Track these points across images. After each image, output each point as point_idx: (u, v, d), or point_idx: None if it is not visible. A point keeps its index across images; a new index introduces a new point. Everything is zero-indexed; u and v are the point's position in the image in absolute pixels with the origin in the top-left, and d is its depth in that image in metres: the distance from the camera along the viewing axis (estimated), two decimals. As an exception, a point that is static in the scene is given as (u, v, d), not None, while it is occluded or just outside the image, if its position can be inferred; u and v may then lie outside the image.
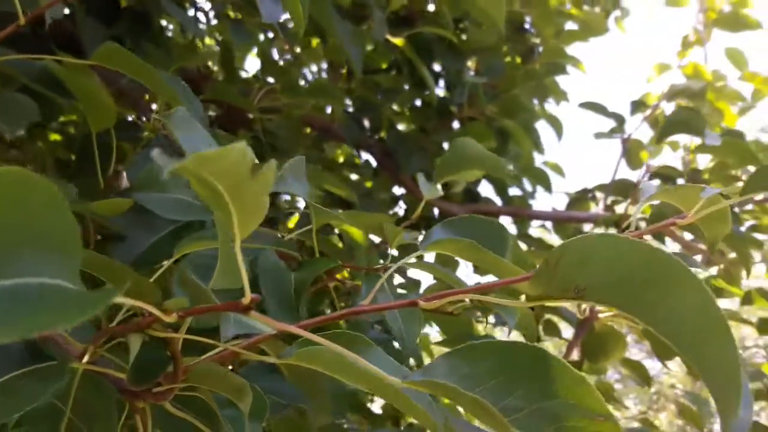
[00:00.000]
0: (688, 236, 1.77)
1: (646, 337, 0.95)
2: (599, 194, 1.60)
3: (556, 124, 1.94)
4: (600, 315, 0.95)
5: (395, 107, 1.68)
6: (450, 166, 0.71)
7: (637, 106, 1.53)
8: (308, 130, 1.52)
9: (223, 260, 0.34)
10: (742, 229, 1.72)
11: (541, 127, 1.99)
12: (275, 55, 1.74)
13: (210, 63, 1.47)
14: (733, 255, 1.83)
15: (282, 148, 1.15)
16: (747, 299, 1.48)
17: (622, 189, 1.50)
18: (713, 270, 1.87)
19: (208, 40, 1.52)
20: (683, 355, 0.31)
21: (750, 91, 2.00)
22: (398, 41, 1.28)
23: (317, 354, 0.32)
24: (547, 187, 1.70)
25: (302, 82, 1.63)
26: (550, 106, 2.06)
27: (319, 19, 0.80)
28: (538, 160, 1.99)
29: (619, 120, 1.57)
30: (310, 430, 0.62)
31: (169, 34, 1.41)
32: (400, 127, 1.79)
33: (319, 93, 1.08)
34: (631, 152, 1.50)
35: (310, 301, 0.72)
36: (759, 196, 1.41)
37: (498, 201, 1.82)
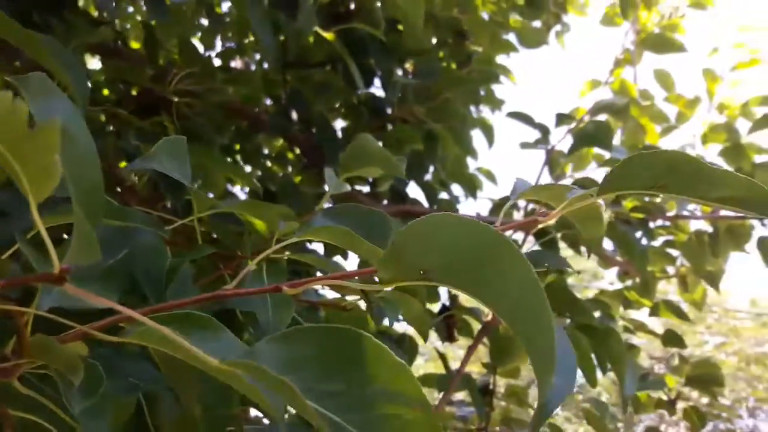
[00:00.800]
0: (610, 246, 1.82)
1: (490, 342, 0.98)
2: (521, 202, 1.63)
3: (488, 131, 1.97)
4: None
5: (337, 104, 1.68)
6: (352, 162, 0.71)
7: (562, 118, 1.56)
8: (242, 120, 1.50)
9: (77, 235, 0.33)
10: (657, 243, 1.79)
11: (478, 133, 2.02)
12: (219, 44, 1.71)
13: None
14: (649, 268, 1.89)
15: (204, 136, 1.13)
16: (654, 311, 1.54)
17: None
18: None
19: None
20: (512, 329, 0.31)
21: (675, 112, 2.08)
22: (329, 35, 1.28)
23: (148, 333, 0.31)
24: (472, 193, 1.72)
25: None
26: (497, 114, 2.10)
27: (235, 4, 0.79)
28: (473, 165, 2.03)
29: (544, 131, 1.60)
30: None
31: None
32: (338, 123, 1.79)
33: (237, 81, 1.06)
34: (553, 163, 1.54)
35: (208, 288, 0.71)
36: (671, 213, 1.46)
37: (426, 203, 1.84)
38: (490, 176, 2.07)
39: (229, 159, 1.23)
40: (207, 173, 0.94)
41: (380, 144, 1.61)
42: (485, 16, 1.99)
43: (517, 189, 0.49)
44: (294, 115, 1.45)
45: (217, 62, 1.50)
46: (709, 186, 0.37)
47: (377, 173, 0.70)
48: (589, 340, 0.88)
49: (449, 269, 0.31)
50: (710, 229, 1.58)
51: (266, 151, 1.72)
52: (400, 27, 1.82)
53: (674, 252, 1.82)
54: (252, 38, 1.68)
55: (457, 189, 1.92)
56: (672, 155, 0.38)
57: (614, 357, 0.85)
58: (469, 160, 1.97)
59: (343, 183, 0.74)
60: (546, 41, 2.07)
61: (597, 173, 2.01)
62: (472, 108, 2.04)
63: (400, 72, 1.80)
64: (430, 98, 1.61)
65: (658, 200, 1.65)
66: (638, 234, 1.43)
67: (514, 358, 1.06)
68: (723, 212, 1.50)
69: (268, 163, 1.70)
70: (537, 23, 2.56)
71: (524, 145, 1.67)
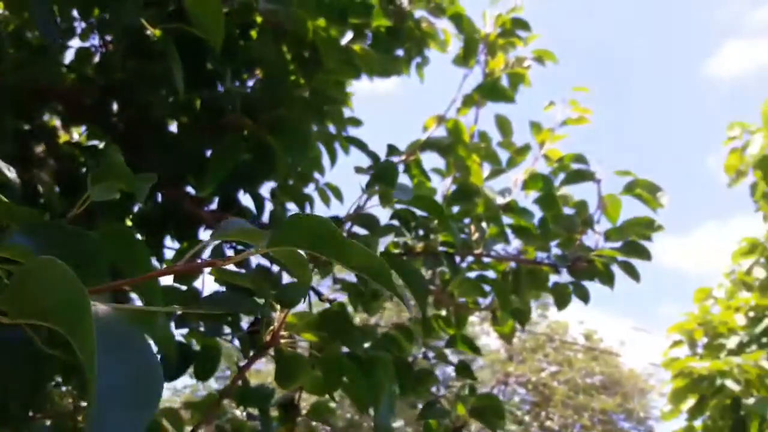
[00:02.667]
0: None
1: (275, 360, 1.00)
2: (348, 223, 1.67)
3: (329, 149, 2.00)
4: (282, 340, 0.99)
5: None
6: (102, 176, 0.70)
7: (392, 150, 1.62)
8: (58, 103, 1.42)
9: None
10: (472, 275, 1.89)
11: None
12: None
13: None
14: (462, 300, 1.99)
15: None
16: (451, 342, 1.62)
17: (366, 221, 1.58)
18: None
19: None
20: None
21: (507, 157, 2.21)
22: (156, 31, 1.24)
23: None
24: (301, 208, 1.74)
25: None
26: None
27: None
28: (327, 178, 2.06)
29: (375, 159, 1.65)
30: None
31: None
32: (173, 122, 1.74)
33: (30, 63, 1.01)
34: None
35: None
36: (478, 250, 1.54)
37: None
38: (336, 193, 2.10)
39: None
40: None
41: (209, 150, 1.59)
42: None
43: (221, 230, 0.50)
44: (116, 107, 1.40)
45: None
46: (349, 255, 0.40)
47: (115, 193, 0.68)
48: (357, 368, 0.91)
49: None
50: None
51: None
52: (253, 33, 1.82)
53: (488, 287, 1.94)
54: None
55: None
56: (316, 226, 0.40)
57: (375, 386, 0.89)
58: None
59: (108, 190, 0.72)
60: (397, 72, 2.14)
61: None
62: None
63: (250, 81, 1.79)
64: (268, 110, 1.61)
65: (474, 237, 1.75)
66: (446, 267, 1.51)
67: (295, 380, 1.07)
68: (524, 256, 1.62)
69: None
70: (399, 52, 2.64)
71: (357, 170, 1.72)
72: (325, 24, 1.51)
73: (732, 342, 6.12)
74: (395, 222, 1.62)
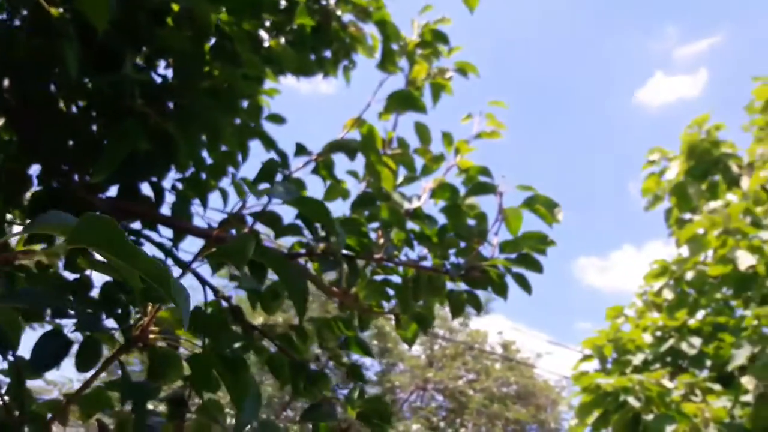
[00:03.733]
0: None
1: (148, 358, 0.98)
2: (249, 218, 1.65)
3: (241, 144, 1.98)
4: (151, 335, 0.96)
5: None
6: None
7: (300, 149, 1.61)
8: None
9: None
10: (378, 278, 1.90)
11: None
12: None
13: None
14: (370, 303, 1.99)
15: None
16: (346, 344, 1.63)
17: (269, 219, 1.57)
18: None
19: None
20: None
21: (422, 164, 2.24)
22: (53, 11, 1.20)
23: None
24: (203, 203, 1.71)
25: None
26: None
27: None
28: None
29: (283, 157, 1.64)
30: None
31: None
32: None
33: None
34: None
35: None
36: (378, 255, 1.54)
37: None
38: (252, 188, 2.07)
39: None
40: None
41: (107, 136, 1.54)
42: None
43: (34, 222, 0.48)
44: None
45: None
46: (134, 260, 0.39)
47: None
48: (222, 368, 0.90)
49: None
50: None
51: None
52: (169, 21, 1.77)
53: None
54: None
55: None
56: (106, 229, 0.39)
57: (238, 385, 0.88)
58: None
59: None
60: (319, 72, 2.14)
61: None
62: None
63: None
64: (174, 99, 1.58)
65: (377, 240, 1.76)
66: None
67: (167, 377, 1.05)
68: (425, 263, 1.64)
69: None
70: (327, 54, 2.63)
71: (267, 166, 1.70)
72: (236, 18, 1.49)
73: (638, 359, 6.37)
74: (299, 222, 1.61)
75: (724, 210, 5.69)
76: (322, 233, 1.49)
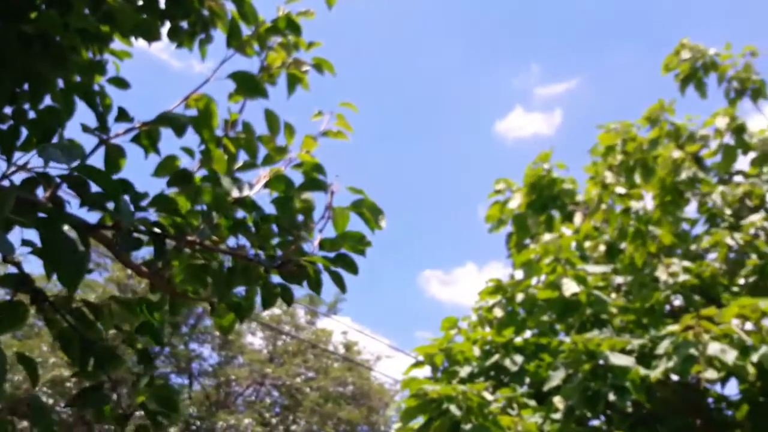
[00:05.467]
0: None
1: None
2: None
3: (67, 104, 1.84)
4: None
5: None
6: None
7: (121, 115, 1.52)
8: None
9: None
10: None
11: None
12: None
13: None
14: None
15: None
16: (141, 328, 1.55)
17: (74, 181, 1.46)
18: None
19: None
20: None
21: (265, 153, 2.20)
22: None
23: None
24: (8, 158, 1.56)
25: None
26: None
27: None
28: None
29: (102, 121, 1.54)
30: None
31: None
32: None
33: None
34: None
35: None
36: (191, 237, 1.47)
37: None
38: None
39: None
40: None
41: None
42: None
43: None
44: None
45: None
46: None
47: None
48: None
49: None
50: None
51: None
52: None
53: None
54: None
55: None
56: None
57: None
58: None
59: None
60: (154, 35, 2.03)
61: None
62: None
63: None
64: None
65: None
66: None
67: None
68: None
69: None
70: (184, 24, 2.52)
71: (84, 129, 1.59)
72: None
73: (465, 371, 6.66)
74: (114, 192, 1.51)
75: (558, 241, 6.12)
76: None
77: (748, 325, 4.94)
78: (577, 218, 6.99)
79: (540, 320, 6.36)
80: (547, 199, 7.30)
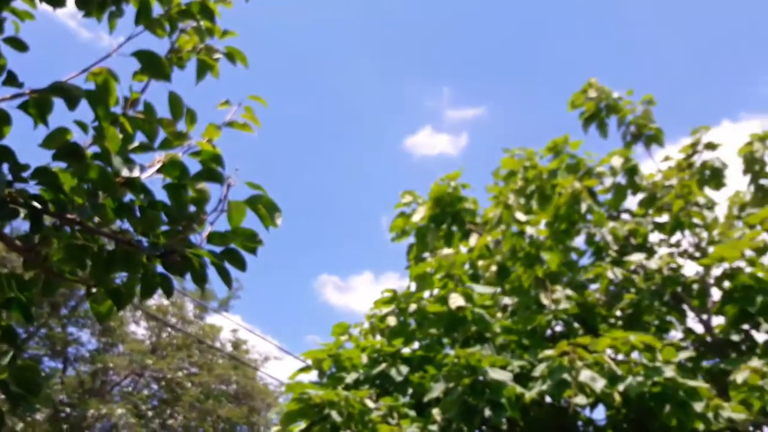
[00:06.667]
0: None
1: None
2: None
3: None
4: None
5: None
6: None
7: (9, 78, 1.43)
8: None
9: None
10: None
11: None
12: None
13: None
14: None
15: None
16: (6, 305, 1.46)
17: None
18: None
19: None
20: None
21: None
22: None
23: None
24: None
25: None
26: None
27: None
28: None
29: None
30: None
31: None
32: None
33: None
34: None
35: None
36: (71, 215, 1.38)
37: None
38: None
39: None
40: None
41: None
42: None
43: None
44: None
45: None
46: None
47: None
48: None
49: None
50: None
51: None
52: None
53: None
54: None
55: None
56: None
57: None
58: None
59: None
60: (63, 3, 1.93)
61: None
62: None
63: None
64: None
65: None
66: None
67: None
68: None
69: None
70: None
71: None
72: None
73: (351, 377, 6.68)
74: None
75: (452, 257, 6.27)
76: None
77: (621, 356, 5.26)
78: (473, 238, 7.20)
79: (428, 332, 6.48)
80: (449, 214, 7.48)
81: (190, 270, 1.53)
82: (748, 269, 6.19)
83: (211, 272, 1.75)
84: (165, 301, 17.12)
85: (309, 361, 6.84)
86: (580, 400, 4.92)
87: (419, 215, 7.49)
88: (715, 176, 7.16)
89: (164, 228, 1.65)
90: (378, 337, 7.11)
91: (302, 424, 5.78)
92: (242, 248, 1.59)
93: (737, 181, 9.03)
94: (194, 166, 1.93)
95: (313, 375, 6.93)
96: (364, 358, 6.71)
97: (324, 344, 6.85)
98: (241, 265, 1.57)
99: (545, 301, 6.01)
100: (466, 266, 6.64)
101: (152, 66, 1.75)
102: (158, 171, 1.80)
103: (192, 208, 1.71)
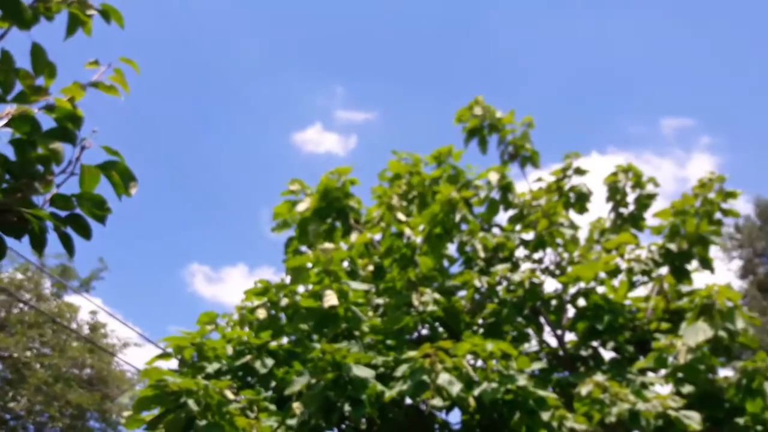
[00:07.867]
0: None
1: None
2: None
3: None
4: None
5: None
6: None
7: None
8: None
9: None
10: None
11: None
12: None
13: None
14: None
15: None
16: None
17: None
18: None
19: None
20: None
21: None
22: None
23: None
24: None
25: None
26: None
27: None
28: None
29: None
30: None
31: None
32: None
33: None
34: None
35: None
36: None
37: None
38: None
39: None
40: None
41: None
42: None
43: None
44: None
45: None
46: None
47: None
48: None
49: None
50: None
51: None
52: None
53: None
54: None
55: None
56: None
57: None
58: None
59: None
60: None
61: None
62: None
63: None
64: None
65: None
66: None
67: None
68: None
69: None
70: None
71: None
72: None
73: (212, 367, 6.51)
74: None
75: (331, 252, 6.27)
76: None
77: (480, 363, 5.47)
78: (354, 235, 7.24)
79: (298, 327, 6.43)
80: (334, 209, 7.48)
81: (27, 232, 1.41)
82: (601, 290, 6.65)
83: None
84: (19, 275, 15.85)
85: (170, 349, 6.59)
86: (437, 402, 5.06)
87: (304, 205, 7.43)
88: (580, 200, 7.64)
89: (5, 186, 1.51)
90: (246, 329, 6.96)
91: (156, 412, 5.56)
92: (89, 215, 1.49)
93: (600, 208, 9.69)
94: (50, 124, 1.80)
95: (173, 363, 6.69)
96: (229, 349, 6.55)
97: (187, 333, 6.62)
98: (86, 232, 1.47)
99: (415, 302, 6.14)
100: (345, 263, 6.66)
101: (11, 11, 1.61)
102: (7, 124, 1.66)
103: (40, 168, 1.59)
